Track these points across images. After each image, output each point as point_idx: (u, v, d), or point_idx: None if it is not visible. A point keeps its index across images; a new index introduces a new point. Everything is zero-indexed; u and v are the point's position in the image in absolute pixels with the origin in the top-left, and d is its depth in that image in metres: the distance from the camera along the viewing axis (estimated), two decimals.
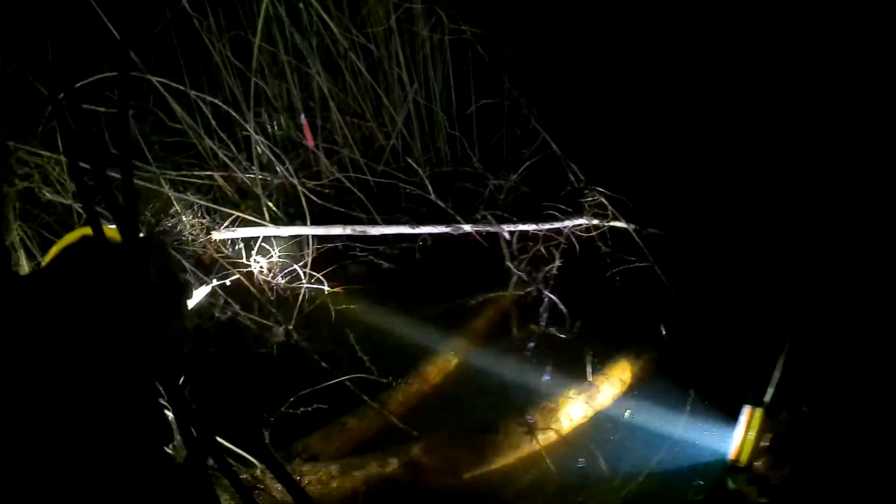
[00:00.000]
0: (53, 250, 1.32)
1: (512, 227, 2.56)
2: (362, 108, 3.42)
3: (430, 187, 3.10)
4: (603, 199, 2.62)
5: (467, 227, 2.58)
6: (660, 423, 2.37)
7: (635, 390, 2.54)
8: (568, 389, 2.49)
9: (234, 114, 2.99)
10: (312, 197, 3.18)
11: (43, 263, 1.34)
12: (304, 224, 2.77)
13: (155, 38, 3.28)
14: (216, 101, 3.00)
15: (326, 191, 3.36)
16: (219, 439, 1.62)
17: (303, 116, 3.32)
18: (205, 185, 3.44)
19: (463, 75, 3.43)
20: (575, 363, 2.56)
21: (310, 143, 3.35)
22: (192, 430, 1.05)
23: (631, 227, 2.68)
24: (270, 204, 3.34)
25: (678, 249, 2.78)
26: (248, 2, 3.26)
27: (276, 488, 2.13)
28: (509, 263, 2.51)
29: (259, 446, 2.17)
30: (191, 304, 2.79)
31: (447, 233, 2.58)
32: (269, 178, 3.35)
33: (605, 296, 2.71)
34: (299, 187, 2.83)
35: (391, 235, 2.73)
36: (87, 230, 1.31)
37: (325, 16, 2.96)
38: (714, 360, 2.44)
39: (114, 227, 1.22)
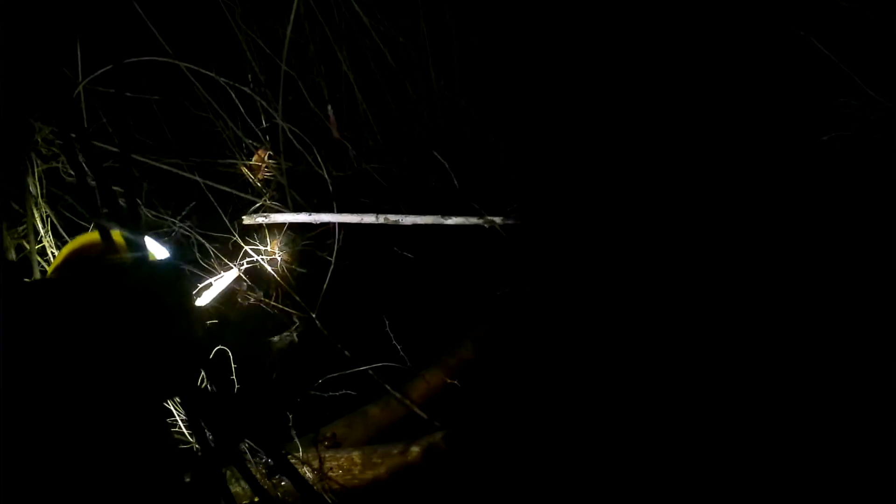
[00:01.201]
0: (60, 256, 1.33)
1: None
2: (388, 98, 3.42)
3: (454, 179, 3.10)
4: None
5: (497, 220, 2.58)
6: None
7: None
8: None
9: (262, 101, 3.00)
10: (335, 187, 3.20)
11: (49, 269, 1.34)
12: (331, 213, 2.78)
13: (183, 24, 3.29)
14: (244, 88, 3.01)
15: (351, 181, 3.37)
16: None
17: (329, 107, 3.32)
18: (229, 173, 3.46)
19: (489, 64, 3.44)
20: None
21: (335, 133, 3.36)
22: (209, 436, 1.06)
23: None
24: (294, 193, 3.36)
25: None
26: None
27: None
28: None
29: (269, 443, 2.19)
30: (213, 294, 2.81)
31: (476, 224, 2.58)
32: (294, 167, 3.37)
33: None
34: (326, 176, 2.83)
35: (418, 225, 2.73)
36: (94, 236, 1.31)
37: (354, 3, 2.96)
38: None
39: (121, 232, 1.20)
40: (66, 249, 1.36)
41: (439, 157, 3.20)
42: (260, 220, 2.40)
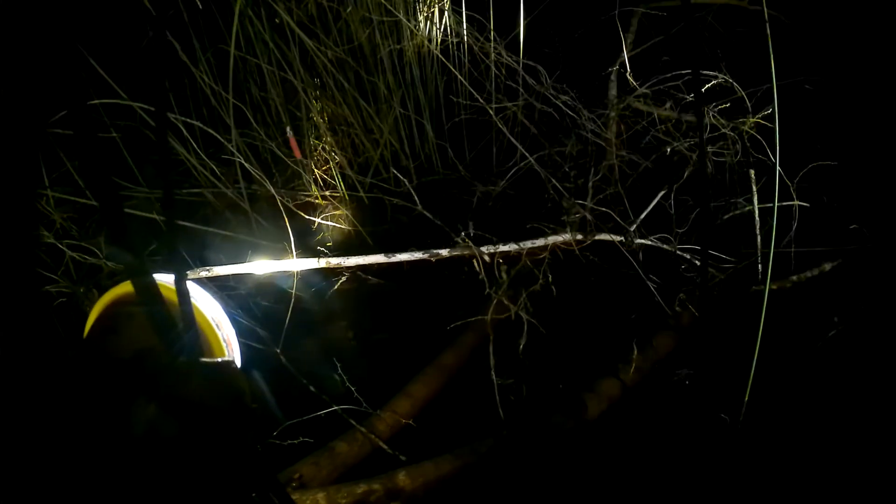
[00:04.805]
0: (93, 315, 1.17)
1: (491, 249, 2.52)
2: (348, 119, 3.38)
3: (416, 198, 3.07)
4: (587, 214, 2.57)
5: (444, 253, 2.54)
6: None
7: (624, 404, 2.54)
8: (552, 411, 2.50)
9: (216, 135, 2.97)
10: (300, 213, 3.19)
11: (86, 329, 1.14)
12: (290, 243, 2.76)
13: (135, 57, 3.25)
14: (197, 124, 2.98)
15: (315, 202, 3.35)
16: None
17: (288, 129, 3.28)
18: (196, 202, 3.45)
19: (453, 85, 3.39)
20: (558, 383, 2.56)
21: (297, 155, 3.32)
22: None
23: (617, 239, 2.64)
24: (259, 218, 3.34)
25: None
26: (230, 21, 3.20)
27: None
28: (489, 290, 2.47)
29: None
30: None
31: (424, 259, 2.55)
32: (256, 190, 3.36)
33: (589, 312, 2.69)
34: (280, 203, 2.81)
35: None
36: (127, 288, 1.12)
37: (300, 33, 2.90)
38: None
39: (167, 282, 1.04)
40: (99, 304, 1.17)
41: (399, 175, 3.16)
42: (203, 273, 2.37)
